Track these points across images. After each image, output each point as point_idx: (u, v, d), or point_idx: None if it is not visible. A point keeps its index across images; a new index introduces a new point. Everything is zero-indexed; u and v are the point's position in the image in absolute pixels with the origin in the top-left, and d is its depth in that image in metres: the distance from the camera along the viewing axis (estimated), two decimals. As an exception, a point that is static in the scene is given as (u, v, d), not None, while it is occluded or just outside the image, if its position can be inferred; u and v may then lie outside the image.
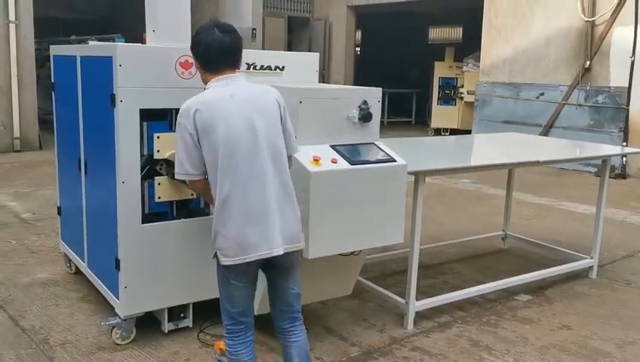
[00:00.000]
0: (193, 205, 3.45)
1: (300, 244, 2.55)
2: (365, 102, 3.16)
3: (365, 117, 3.15)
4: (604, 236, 4.83)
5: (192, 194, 3.38)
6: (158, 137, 3.23)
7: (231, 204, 2.39)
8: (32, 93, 10.05)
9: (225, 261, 2.43)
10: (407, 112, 16.18)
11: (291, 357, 2.62)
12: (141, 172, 3.21)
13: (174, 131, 3.28)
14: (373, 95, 3.24)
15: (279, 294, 2.62)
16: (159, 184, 3.28)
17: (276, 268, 2.54)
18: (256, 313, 3.29)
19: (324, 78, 14.80)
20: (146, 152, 3.24)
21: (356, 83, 14.64)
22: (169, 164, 3.21)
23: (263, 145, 2.42)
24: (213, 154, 2.39)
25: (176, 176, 2.55)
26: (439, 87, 14.11)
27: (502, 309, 4.05)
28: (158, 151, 3.24)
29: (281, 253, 2.43)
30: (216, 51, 2.49)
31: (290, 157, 2.60)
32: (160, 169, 3.29)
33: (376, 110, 3.22)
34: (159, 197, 3.29)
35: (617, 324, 3.88)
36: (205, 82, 2.57)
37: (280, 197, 2.45)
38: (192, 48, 2.58)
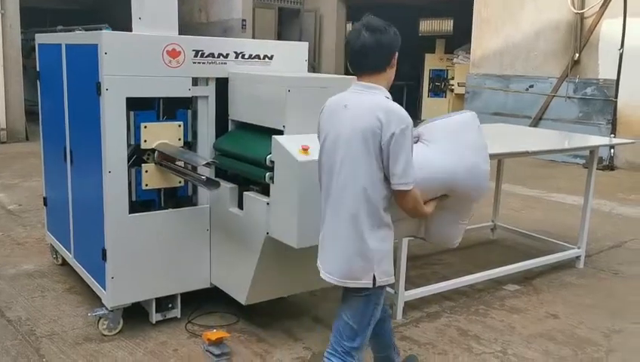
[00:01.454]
0: (181, 193, 3.42)
1: None
2: None
3: None
4: (591, 227, 4.86)
5: (180, 182, 3.36)
6: (145, 127, 3.20)
7: (324, 217, 2.41)
8: (18, 84, 9.94)
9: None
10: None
11: None
12: (128, 162, 3.19)
13: (161, 121, 3.27)
14: None
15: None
16: (146, 171, 3.25)
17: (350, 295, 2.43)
18: (245, 303, 3.31)
19: (314, 69, 14.75)
20: (133, 142, 3.21)
21: (347, 74, 14.58)
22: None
23: (342, 160, 2.31)
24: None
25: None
26: (430, 79, 14.12)
27: (490, 299, 4.07)
28: (145, 141, 3.21)
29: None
30: (354, 55, 2.35)
31: (397, 192, 2.29)
32: (147, 158, 3.26)
33: None
34: (146, 185, 3.26)
35: (604, 313, 3.90)
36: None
37: None
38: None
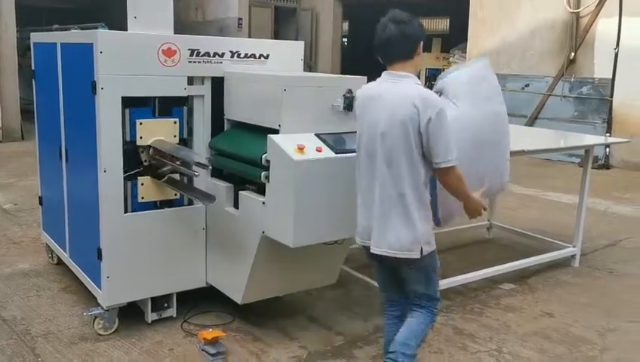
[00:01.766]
0: (176, 204, 3.42)
1: None
2: (350, 91, 3.14)
3: (350, 106, 3.13)
4: (586, 226, 4.88)
5: (175, 195, 3.35)
6: (140, 123, 3.19)
7: (362, 195, 2.67)
8: (13, 83, 9.90)
9: (357, 239, 2.72)
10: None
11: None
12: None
13: (157, 118, 3.26)
14: (358, 84, 3.21)
15: (386, 285, 2.89)
16: (142, 184, 3.26)
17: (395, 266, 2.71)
18: (241, 302, 3.31)
19: (310, 68, 14.74)
20: (128, 139, 3.19)
21: (343, 73, 14.58)
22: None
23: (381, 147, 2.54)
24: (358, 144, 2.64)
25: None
26: (426, 77, 14.11)
27: (486, 298, 4.08)
28: (141, 137, 3.20)
29: (379, 252, 2.63)
30: (383, 46, 2.57)
31: (440, 170, 2.51)
32: (142, 152, 3.24)
33: None
34: (142, 198, 3.26)
35: (598, 312, 3.92)
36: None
37: None
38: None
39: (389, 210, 2.53)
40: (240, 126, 3.38)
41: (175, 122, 3.31)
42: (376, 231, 2.58)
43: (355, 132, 3.21)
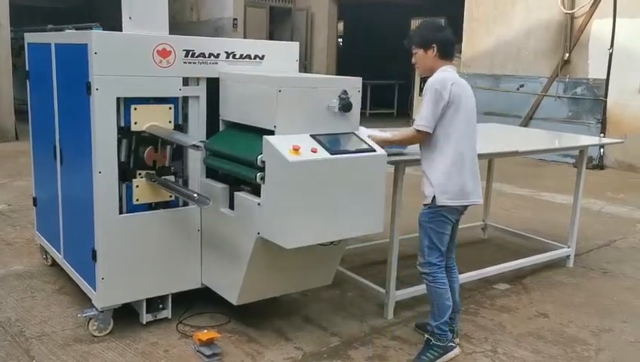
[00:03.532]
0: (172, 205, 3.40)
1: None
2: (345, 92, 3.14)
3: (345, 106, 3.12)
4: (581, 226, 4.90)
5: (171, 196, 3.35)
6: (135, 109, 3.17)
7: (465, 159, 3.10)
8: (7, 83, 9.86)
9: (449, 202, 3.09)
10: (389, 103, 16.17)
11: (454, 289, 3.33)
12: (118, 147, 3.15)
13: (151, 103, 3.24)
14: (353, 85, 3.22)
15: (453, 238, 3.29)
16: (137, 186, 3.25)
17: (461, 216, 3.25)
18: (237, 303, 3.31)
19: (306, 68, 14.74)
20: (123, 124, 3.17)
21: (338, 74, 14.59)
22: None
23: (475, 123, 3.21)
24: (456, 120, 3.06)
25: (416, 126, 3.09)
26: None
27: (481, 298, 4.09)
28: (136, 123, 3.19)
29: (481, 202, 3.30)
30: (453, 46, 3.22)
31: None
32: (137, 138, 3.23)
33: (356, 100, 3.20)
34: (137, 200, 3.25)
35: (593, 312, 3.93)
36: (432, 67, 3.15)
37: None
38: (435, 39, 3.13)
39: (476, 168, 3.18)
40: (235, 127, 3.38)
41: (170, 108, 3.29)
42: (473, 187, 3.13)
43: (351, 133, 3.25)
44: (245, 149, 3.10)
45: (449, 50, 3.18)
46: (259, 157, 2.95)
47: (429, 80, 3.08)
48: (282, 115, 3.00)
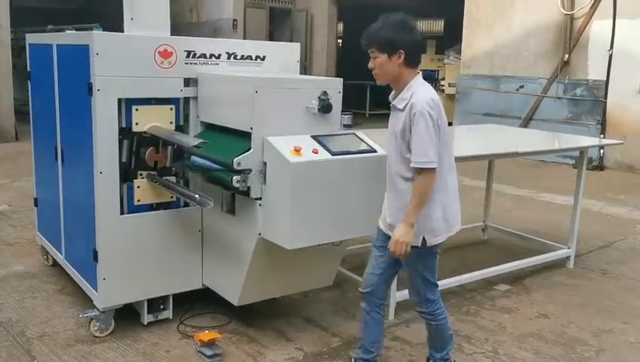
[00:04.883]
0: (173, 206, 3.40)
1: None
2: (325, 93, 3.06)
3: (325, 108, 3.05)
4: (581, 227, 4.90)
5: (172, 197, 3.34)
6: (136, 109, 3.17)
7: (448, 188, 2.71)
8: (8, 84, 9.86)
9: (440, 239, 2.72)
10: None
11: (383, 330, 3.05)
12: (119, 148, 3.15)
13: (153, 104, 3.24)
14: (334, 85, 3.16)
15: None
16: (138, 187, 3.25)
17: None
18: (237, 304, 3.31)
19: (305, 69, 14.75)
20: (124, 125, 3.17)
21: (338, 75, 14.58)
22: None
23: (451, 143, 2.86)
24: (440, 145, 2.59)
25: (423, 165, 2.55)
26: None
27: (481, 299, 4.09)
28: (137, 123, 3.18)
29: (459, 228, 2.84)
30: (421, 50, 2.72)
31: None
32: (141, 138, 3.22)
33: (336, 101, 3.13)
34: (138, 200, 3.26)
35: (594, 313, 3.94)
36: (397, 77, 2.66)
37: None
38: (404, 43, 2.60)
39: (457, 192, 2.81)
40: (213, 128, 3.32)
41: (171, 108, 3.29)
42: (456, 215, 2.78)
43: (352, 133, 3.25)
44: (222, 152, 3.03)
45: (418, 57, 2.67)
46: (235, 159, 2.90)
47: (414, 100, 2.57)
48: (259, 117, 2.94)
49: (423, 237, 2.67)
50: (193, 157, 3.20)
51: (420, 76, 2.69)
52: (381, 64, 2.62)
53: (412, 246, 2.64)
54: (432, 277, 2.83)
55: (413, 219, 2.59)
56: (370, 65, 2.68)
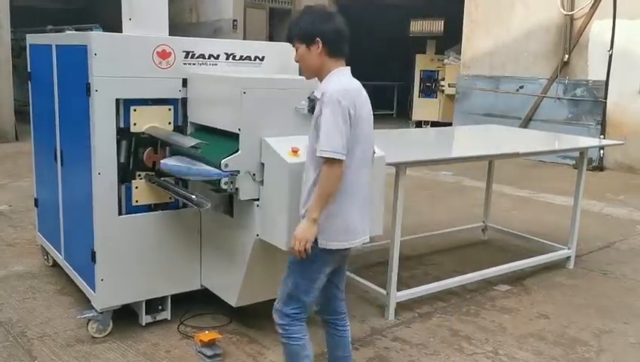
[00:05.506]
0: (172, 207, 3.39)
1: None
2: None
3: (315, 109, 3.06)
4: (581, 227, 4.89)
5: (170, 198, 3.34)
6: (135, 110, 3.17)
7: (356, 193, 2.47)
8: (8, 84, 9.87)
9: (333, 245, 2.46)
10: (388, 105, 16.20)
11: (345, 344, 2.84)
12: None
13: (151, 104, 3.23)
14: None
15: (341, 280, 2.79)
16: (136, 188, 3.25)
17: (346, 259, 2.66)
18: (236, 305, 3.31)
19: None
20: (122, 125, 3.16)
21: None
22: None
23: (372, 143, 2.60)
24: (352, 140, 2.40)
25: (326, 155, 2.33)
26: (420, 79, 14.14)
27: (481, 299, 4.09)
28: (135, 124, 3.18)
29: (368, 240, 2.59)
30: (346, 40, 2.52)
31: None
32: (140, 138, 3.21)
33: None
34: (137, 201, 3.25)
35: (594, 313, 3.93)
36: (320, 68, 2.50)
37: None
38: (320, 32, 2.46)
39: (372, 196, 2.63)
40: (203, 129, 3.30)
41: (169, 109, 3.28)
42: (361, 224, 2.53)
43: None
44: (211, 153, 3.01)
45: (339, 45, 2.48)
46: (223, 161, 2.88)
47: (324, 89, 2.41)
48: (247, 118, 2.92)
49: (316, 237, 2.42)
50: (163, 161, 3.16)
51: (344, 68, 2.50)
52: (301, 55, 2.52)
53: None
54: (303, 290, 2.51)
55: (315, 214, 2.37)
56: (295, 58, 2.58)
